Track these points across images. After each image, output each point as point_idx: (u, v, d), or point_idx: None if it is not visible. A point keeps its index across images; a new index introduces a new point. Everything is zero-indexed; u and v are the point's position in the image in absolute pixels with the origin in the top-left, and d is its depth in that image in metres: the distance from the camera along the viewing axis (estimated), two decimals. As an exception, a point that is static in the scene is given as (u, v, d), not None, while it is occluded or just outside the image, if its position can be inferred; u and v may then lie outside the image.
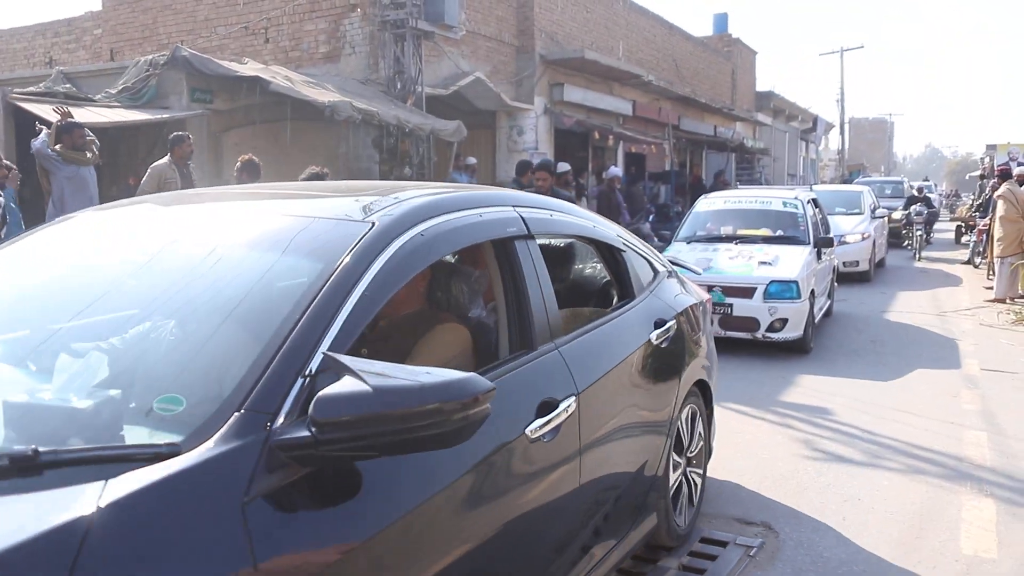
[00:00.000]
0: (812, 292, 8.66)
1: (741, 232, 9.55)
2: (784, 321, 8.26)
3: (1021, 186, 12.68)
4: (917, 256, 18.36)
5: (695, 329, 4.29)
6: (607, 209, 13.98)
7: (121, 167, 11.02)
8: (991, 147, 30.42)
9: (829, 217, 13.01)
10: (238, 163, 7.63)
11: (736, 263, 8.70)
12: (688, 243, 9.52)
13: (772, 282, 8.29)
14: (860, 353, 8.75)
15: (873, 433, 5.97)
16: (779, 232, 9.43)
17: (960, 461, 5.40)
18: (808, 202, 9.97)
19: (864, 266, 14.31)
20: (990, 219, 13.60)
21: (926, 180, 41.75)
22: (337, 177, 10.23)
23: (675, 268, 4.81)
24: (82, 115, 8.39)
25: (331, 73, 12.68)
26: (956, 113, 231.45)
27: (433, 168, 12.25)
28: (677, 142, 23.18)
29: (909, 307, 11.75)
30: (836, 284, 11.13)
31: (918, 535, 4.27)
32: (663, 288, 4.15)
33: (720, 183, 20.14)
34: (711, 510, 4.51)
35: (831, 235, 10.46)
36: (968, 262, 17.26)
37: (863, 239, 14.33)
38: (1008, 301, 11.97)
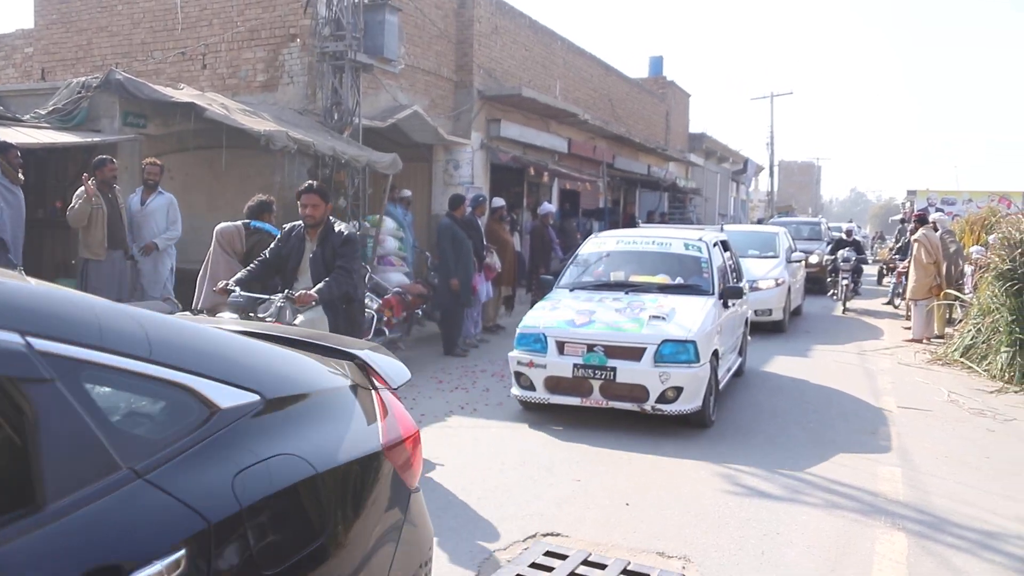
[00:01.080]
0: (716, 353, 7.45)
1: (635, 279, 8.26)
2: (678, 390, 6.80)
3: (936, 231, 13.23)
4: (843, 308, 16.69)
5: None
6: (540, 245, 14.13)
7: (48, 190, 10.79)
8: (912, 192, 31.51)
9: (743, 260, 12.48)
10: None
11: (623, 317, 7.30)
12: (571, 291, 8.18)
13: (665, 341, 6.89)
14: (772, 420, 7.96)
15: (793, 469, 6.15)
16: (679, 280, 8.20)
17: (875, 496, 5.61)
18: (715, 244, 8.79)
19: (778, 315, 13.27)
20: (908, 262, 14.13)
21: (850, 221, 42.93)
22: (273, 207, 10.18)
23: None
24: (9, 135, 8.23)
25: (268, 102, 12.63)
26: (880, 159, 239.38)
27: (368, 200, 12.26)
28: (611, 180, 23.56)
29: (825, 361, 12.06)
30: (748, 337, 10.11)
31: (833, 568, 4.42)
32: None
33: (652, 222, 20.54)
34: (632, 544, 4.59)
35: (742, 283, 9.53)
36: (889, 303, 17.86)
37: (777, 285, 13.36)
38: (925, 341, 12.44)
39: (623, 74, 25.91)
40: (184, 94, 9.90)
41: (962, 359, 10.60)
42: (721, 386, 7.80)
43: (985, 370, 9.99)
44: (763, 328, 12.91)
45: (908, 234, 16.31)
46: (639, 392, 6.87)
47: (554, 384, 7.17)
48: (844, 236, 18.85)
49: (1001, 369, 9.68)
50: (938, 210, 19.36)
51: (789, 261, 14.48)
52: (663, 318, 7.17)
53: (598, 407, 7.11)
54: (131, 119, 9.71)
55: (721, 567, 4.36)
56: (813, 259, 19.22)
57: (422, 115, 14.15)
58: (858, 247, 18.16)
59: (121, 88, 9.44)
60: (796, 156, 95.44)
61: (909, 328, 13.38)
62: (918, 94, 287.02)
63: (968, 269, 12.63)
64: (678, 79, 33.87)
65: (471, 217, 11.58)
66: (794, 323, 14.60)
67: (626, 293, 7.86)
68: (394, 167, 11.39)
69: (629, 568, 4.25)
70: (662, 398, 6.80)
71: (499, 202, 12.89)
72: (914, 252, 13.28)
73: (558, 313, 7.55)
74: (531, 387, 7.25)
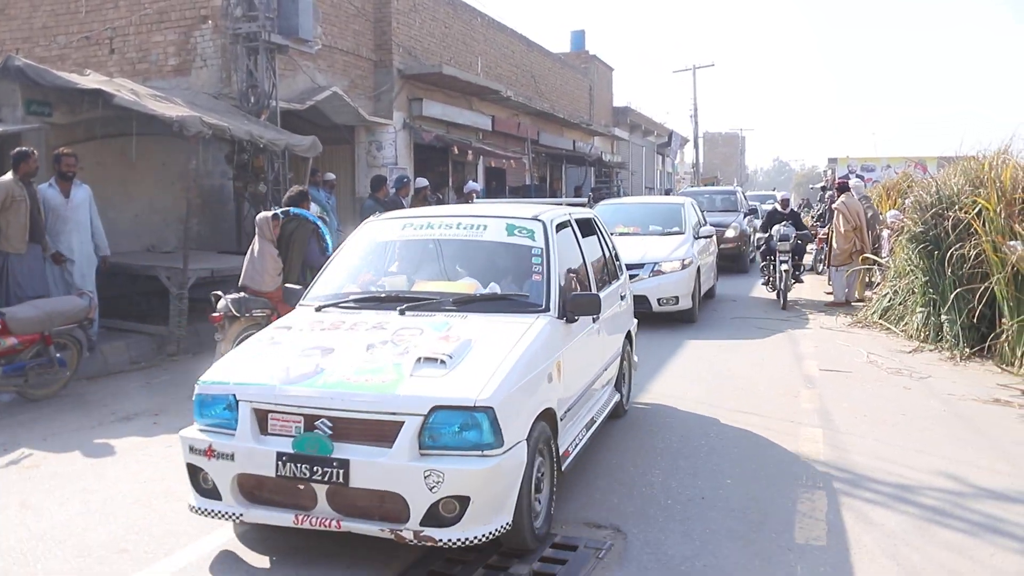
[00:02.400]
0: (551, 415, 4.46)
1: (421, 287, 5.15)
2: (461, 502, 3.78)
3: (854, 197, 13.56)
4: (782, 301, 12.84)
5: None
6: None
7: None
8: (833, 160, 32.33)
9: (643, 239, 11.90)
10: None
11: (375, 361, 4.21)
12: (318, 310, 5.02)
13: (436, 409, 3.83)
14: (696, 384, 8.57)
15: (719, 434, 6.26)
16: (493, 287, 5.01)
17: (797, 457, 5.75)
18: (561, 227, 5.55)
19: (686, 302, 11.06)
20: (828, 229, 14.47)
21: (774, 190, 43.65)
22: (188, 194, 9.93)
23: None
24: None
25: (181, 87, 12.30)
26: (802, 128, 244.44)
27: (288, 184, 12.04)
28: (537, 156, 23.60)
29: (748, 329, 12.29)
30: (635, 358, 7.20)
31: (756, 528, 4.51)
32: None
33: (578, 197, 20.59)
34: (563, 516, 4.62)
35: (616, 283, 6.57)
36: (811, 269, 18.28)
37: (683, 267, 11.17)
38: (847, 304, 12.77)
39: (545, 49, 25.91)
40: (91, 80, 9.55)
41: (880, 321, 10.91)
42: (567, 464, 4.76)
43: (902, 330, 10.29)
44: (669, 320, 11.24)
45: (829, 202, 16.70)
46: (392, 506, 3.83)
47: (251, 488, 4.07)
48: (779, 207, 14.35)
49: (917, 329, 9.99)
50: (858, 177, 19.78)
51: (698, 237, 12.42)
52: (441, 362, 4.07)
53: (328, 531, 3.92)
54: (35, 107, 9.33)
55: (648, 534, 4.42)
56: (729, 233, 17.61)
57: (342, 96, 13.96)
58: (797, 220, 14.08)
59: (22, 75, 9.06)
60: (720, 128, 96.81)
61: (831, 293, 13.72)
62: (835, 65, 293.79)
63: (885, 233, 12.97)
64: (600, 53, 33.95)
65: (395, 198, 11.49)
66: (707, 309, 12.67)
67: (400, 313, 4.70)
68: (314, 150, 11.21)
69: (557, 541, 4.27)
70: (432, 517, 3.77)
71: (422, 182, 12.80)
72: (834, 219, 13.61)
73: (271, 356, 4.41)
74: (214, 493, 4.09)
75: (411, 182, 12.12)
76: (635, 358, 7.17)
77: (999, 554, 4.20)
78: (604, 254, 6.57)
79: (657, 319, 11.05)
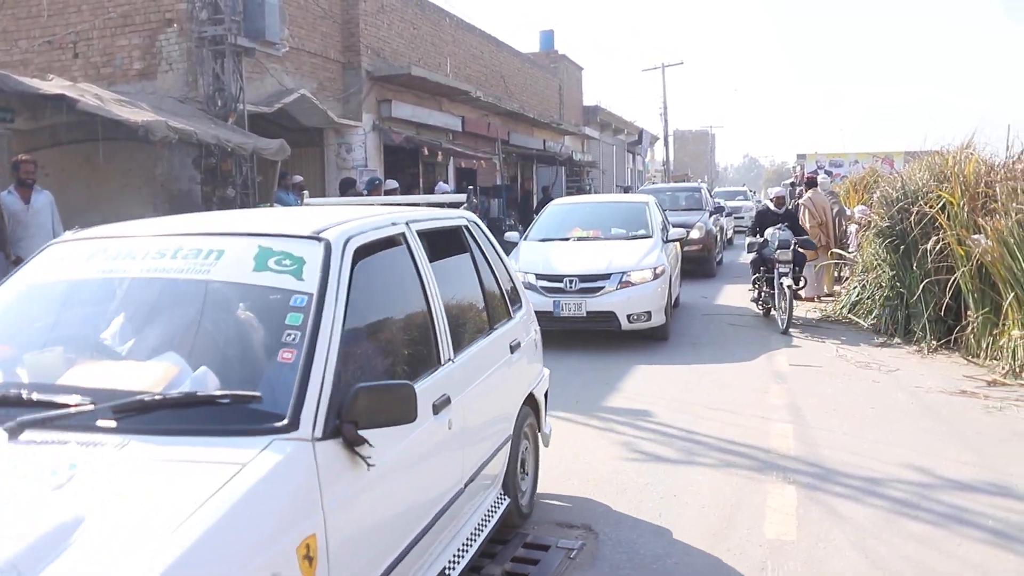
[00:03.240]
0: None
1: (72, 377, 2.69)
2: None
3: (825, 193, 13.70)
4: (783, 324, 10.31)
5: None
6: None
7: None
8: (801, 156, 32.59)
9: (606, 244, 10.33)
10: None
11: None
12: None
13: None
14: (671, 381, 8.83)
15: (690, 432, 6.30)
16: (190, 380, 2.60)
17: (767, 452, 5.79)
18: (369, 249, 3.17)
19: (659, 317, 9.50)
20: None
21: (743, 186, 44.00)
22: (155, 199, 9.84)
23: None
24: None
25: (147, 91, 12.18)
26: (772, 125, 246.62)
27: (257, 188, 11.97)
28: (507, 157, 23.59)
29: (720, 325, 12.37)
30: (529, 459, 4.73)
31: (728, 525, 4.54)
32: None
33: (548, 197, 20.59)
34: (535, 516, 4.63)
35: (504, 330, 4.35)
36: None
37: (656, 276, 9.55)
38: (816, 300, 12.88)
39: (514, 49, 25.93)
40: (53, 85, 9.45)
41: (849, 315, 11.01)
42: None
43: (871, 324, 10.40)
44: (637, 338, 9.74)
45: (797, 197, 16.84)
46: None
47: None
48: (772, 206, 11.99)
49: (885, 322, 10.10)
50: (826, 172, 19.97)
51: (667, 241, 10.72)
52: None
53: None
54: (-4, 113, 9.23)
55: (620, 532, 4.44)
56: (694, 234, 15.92)
57: (310, 98, 13.89)
58: (794, 222, 11.70)
59: (-18, 80, 8.95)
60: (690, 125, 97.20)
61: (801, 288, 13.83)
62: (800, 56, 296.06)
63: (852, 228, 13.10)
64: (570, 53, 34.03)
65: (366, 200, 11.44)
66: (677, 319, 10.99)
67: (11, 436, 2.38)
68: (282, 153, 11.15)
69: (529, 541, 4.27)
70: None
71: (392, 184, 12.77)
72: (801, 215, 13.72)
73: None
74: None
75: (383, 184, 12.06)
76: (547, 429, 5.00)
77: (965, 544, 4.26)
78: (482, 283, 4.33)
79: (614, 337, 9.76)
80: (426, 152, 17.88)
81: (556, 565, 4.03)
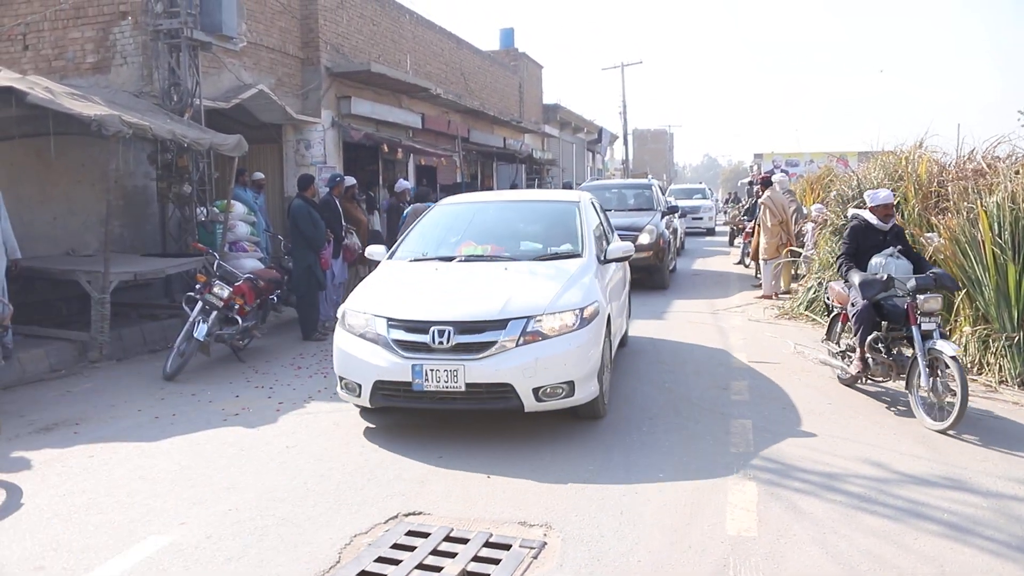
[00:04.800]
0: None
1: None
2: None
3: (779, 192, 13.85)
4: (951, 420, 6.02)
5: None
6: (398, 221, 13.97)
7: None
8: (758, 156, 33.01)
9: (505, 271, 6.69)
10: None
11: None
12: None
13: None
14: (626, 377, 8.74)
15: (651, 429, 6.31)
16: None
17: (727, 448, 5.82)
18: None
19: (585, 390, 6.05)
20: (755, 223, 14.73)
21: (701, 184, 44.32)
22: (109, 196, 9.63)
23: None
24: None
25: (101, 85, 11.94)
26: (729, 124, 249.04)
27: (214, 184, 11.79)
28: (467, 154, 23.53)
29: (679, 322, 12.44)
30: None
31: (689, 521, 4.56)
32: None
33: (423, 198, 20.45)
34: (495, 516, 4.61)
35: None
36: (739, 263, 18.59)
37: (582, 322, 6.09)
38: (774, 297, 13.02)
39: (474, 47, 25.85)
40: (2, 77, 9.18)
41: (807, 312, 11.14)
42: None
43: (827, 321, 10.51)
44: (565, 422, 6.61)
45: (755, 196, 17.01)
46: None
47: None
48: (872, 219, 7.38)
49: (841, 319, 10.21)
50: (782, 172, 20.18)
51: (606, 261, 7.38)
52: None
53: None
54: (-58, 106, 8.96)
55: (582, 530, 4.43)
56: (643, 239, 13.61)
57: (268, 94, 13.72)
58: (907, 246, 7.48)
59: (-73, 73, 8.69)
60: (649, 124, 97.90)
61: (759, 286, 13.98)
62: (761, 58, 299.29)
63: (809, 227, 13.27)
64: (530, 51, 34.08)
65: (328, 197, 11.31)
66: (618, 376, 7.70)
67: None
68: (239, 149, 10.98)
69: (491, 540, 4.25)
70: None
71: (350, 180, 12.64)
72: (760, 214, 13.87)
73: None
74: None
75: (343, 181, 11.93)
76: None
77: (922, 538, 4.31)
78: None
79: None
80: (386, 149, 17.76)
81: (519, 564, 4.01)
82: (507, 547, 4.18)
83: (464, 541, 4.23)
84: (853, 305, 7.07)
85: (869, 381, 7.38)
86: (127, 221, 11.85)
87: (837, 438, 6.01)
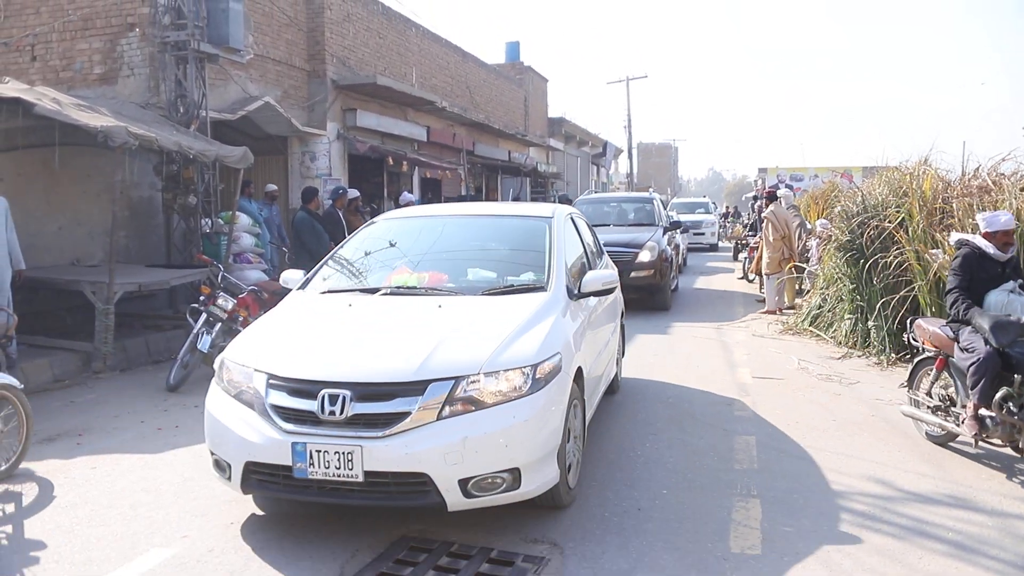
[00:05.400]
0: None
1: None
2: None
3: (783, 206, 13.86)
4: None
5: None
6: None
7: None
8: (763, 170, 33.00)
9: (446, 304, 5.22)
10: None
11: None
12: None
13: None
14: (632, 395, 8.92)
15: (654, 446, 6.29)
16: None
17: (731, 465, 5.80)
18: None
19: (542, 475, 4.49)
20: (759, 238, 14.74)
21: (704, 197, 44.29)
22: (114, 206, 9.66)
23: None
24: None
25: (108, 96, 11.99)
26: (735, 138, 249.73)
27: (219, 196, 11.82)
28: (472, 167, 23.60)
29: (682, 335, 12.40)
30: None
31: (692, 539, 4.54)
32: None
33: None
34: (499, 531, 4.59)
35: None
36: (743, 277, 18.57)
37: (537, 384, 4.47)
38: (778, 312, 13.01)
39: (480, 60, 25.94)
40: (9, 88, 9.23)
41: (811, 328, 11.13)
42: None
43: (832, 337, 10.52)
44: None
45: (758, 211, 17.02)
46: None
47: None
48: (988, 247, 6.17)
49: (845, 335, 10.22)
50: (787, 186, 20.18)
51: (580, 296, 5.80)
52: None
53: None
54: (-51, 117, 9.00)
55: (585, 547, 4.41)
56: (644, 256, 13.00)
57: (274, 106, 13.77)
58: None
59: (-64, 83, 8.74)
60: (654, 138, 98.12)
61: (762, 301, 13.96)
62: (768, 74, 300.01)
63: (813, 242, 13.26)
64: (535, 64, 34.25)
65: (331, 210, 11.34)
66: (601, 438, 6.21)
67: None
68: (245, 161, 11.01)
69: (493, 556, 4.24)
70: None
71: (354, 193, 12.67)
72: (763, 228, 13.87)
73: None
74: None
75: (346, 193, 11.97)
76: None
77: (927, 557, 4.29)
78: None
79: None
80: (391, 161, 17.81)
81: (521, 579, 3.99)
82: (510, 563, 4.17)
83: (467, 557, 4.21)
84: (966, 351, 5.76)
85: (983, 444, 5.89)
86: (132, 232, 11.88)
87: (842, 455, 5.99)
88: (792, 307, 13.18)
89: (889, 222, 9.70)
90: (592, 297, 5.98)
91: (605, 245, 8.61)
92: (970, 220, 8.45)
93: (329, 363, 4.48)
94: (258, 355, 4.69)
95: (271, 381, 4.45)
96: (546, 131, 33.85)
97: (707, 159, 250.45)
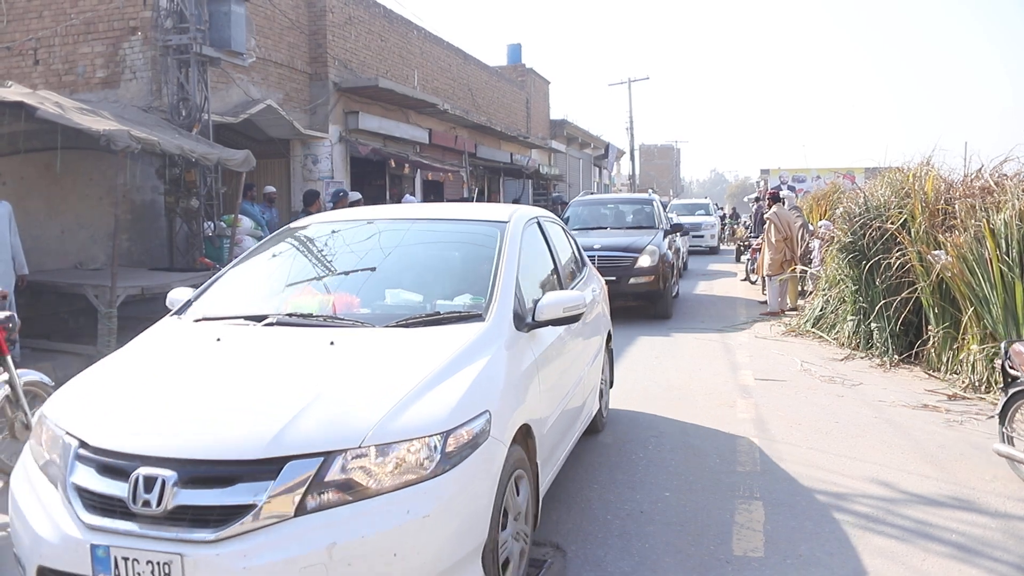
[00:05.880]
0: None
1: None
2: None
3: (785, 207, 13.85)
4: None
5: None
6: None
7: None
8: (765, 171, 33.01)
9: (344, 338, 3.83)
10: None
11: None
12: None
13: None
14: (636, 397, 8.94)
15: (656, 446, 6.29)
16: None
17: (734, 467, 5.79)
18: None
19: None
20: (762, 239, 14.73)
21: (705, 199, 44.23)
22: (117, 210, 9.68)
23: None
24: None
25: (110, 99, 12.02)
26: (737, 140, 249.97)
27: (222, 199, 11.83)
28: (474, 169, 23.62)
29: (686, 339, 12.37)
30: None
31: (694, 541, 4.53)
32: None
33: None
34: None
35: None
36: (745, 279, 18.55)
37: (439, 464, 3.08)
38: (780, 314, 13.00)
39: (482, 62, 25.97)
40: (12, 92, 9.26)
41: (813, 329, 11.11)
42: None
43: (834, 338, 10.50)
44: None
45: (761, 212, 17.00)
46: None
47: None
48: None
49: (848, 337, 10.20)
50: (789, 188, 20.15)
51: (533, 325, 4.30)
52: None
53: None
54: (-48, 121, 9.03)
55: (587, 549, 4.41)
56: (644, 261, 12.25)
57: (276, 109, 13.79)
58: None
59: (-62, 87, 8.76)
60: (656, 140, 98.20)
61: (765, 303, 13.95)
62: (770, 75, 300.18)
63: (816, 243, 13.25)
64: (537, 66, 34.22)
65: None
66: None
67: None
68: (247, 164, 11.03)
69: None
70: None
71: (355, 196, 12.68)
72: (766, 230, 13.86)
73: None
74: None
75: (348, 196, 11.98)
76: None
77: (930, 559, 4.29)
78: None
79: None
80: (393, 164, 17.83)
81: (524, 582, 3.99)
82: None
83: (469, 559, 4.21)
84: None
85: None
86: (135, 235, 11.90)
87: (845, 457, 5.98)
88: (795, 309, 13.17)
89: (891, 223, 9.68)
90: (568, 324, 4.53)
91: (601, 250, 8.17)
92: (972, 221, 8.44)
93: (151, 430, 3.13)
94: (76, 411, 3.37)
95: (79, 451, 3.14)
96: (548, 133, 33.87)
97: (709, 160, 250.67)
